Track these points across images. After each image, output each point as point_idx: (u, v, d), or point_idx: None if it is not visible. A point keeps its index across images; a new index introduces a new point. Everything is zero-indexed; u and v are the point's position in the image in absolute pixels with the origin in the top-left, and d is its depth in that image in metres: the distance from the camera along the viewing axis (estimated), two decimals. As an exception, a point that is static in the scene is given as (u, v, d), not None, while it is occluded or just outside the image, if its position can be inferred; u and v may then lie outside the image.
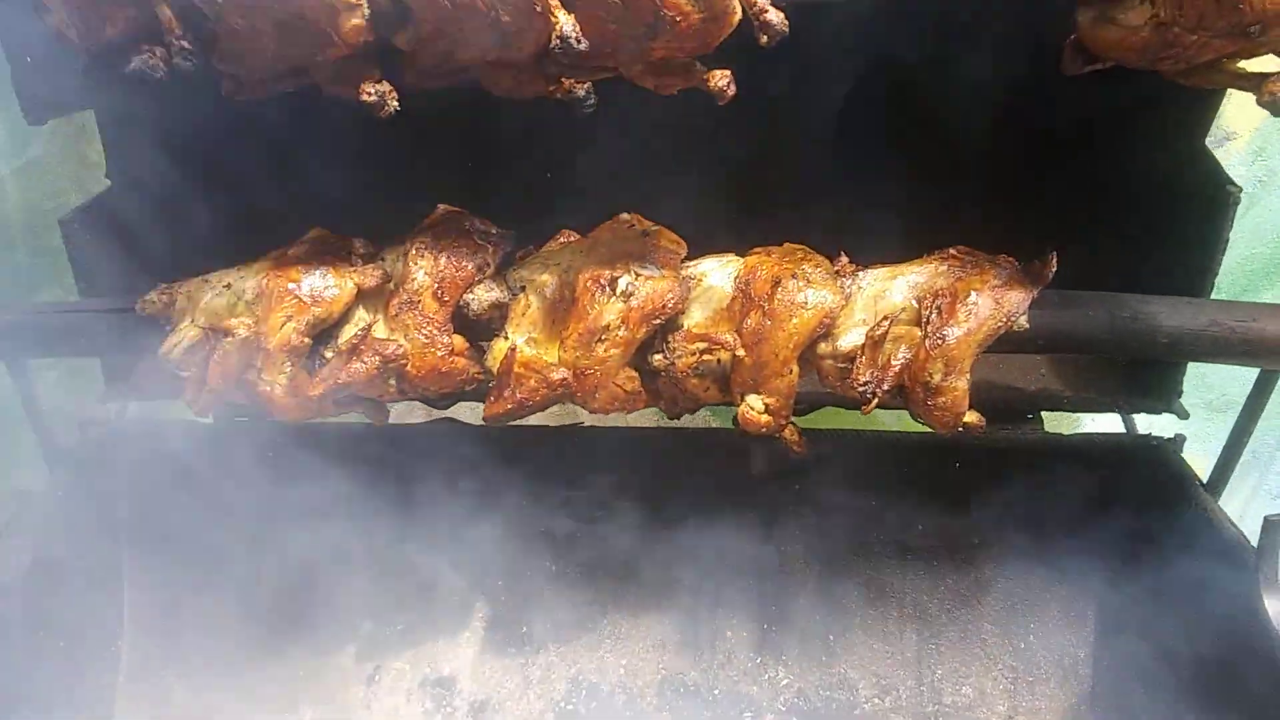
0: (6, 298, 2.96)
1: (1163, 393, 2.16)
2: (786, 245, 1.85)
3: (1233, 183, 1.96)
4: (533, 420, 2.25)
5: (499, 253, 1.80)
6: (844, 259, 1.81)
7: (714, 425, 2.87)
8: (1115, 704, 2.30)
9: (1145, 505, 2.17)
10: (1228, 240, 1.99)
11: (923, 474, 2.30)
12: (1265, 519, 1.82)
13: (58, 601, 2.13)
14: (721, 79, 1.46)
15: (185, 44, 1.43)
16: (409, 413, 2.48)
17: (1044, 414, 2.32)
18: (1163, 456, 2.19)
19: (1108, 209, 2.14)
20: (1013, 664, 2.39)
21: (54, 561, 2.06)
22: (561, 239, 1.91)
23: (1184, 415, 2.18)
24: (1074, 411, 2.24)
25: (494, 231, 1.84)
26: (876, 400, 1.72)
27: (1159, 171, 2.10)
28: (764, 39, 1.39)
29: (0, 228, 3.34)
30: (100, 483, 2.22)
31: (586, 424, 2.33)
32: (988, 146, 2.11)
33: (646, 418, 2.53)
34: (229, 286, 1.77)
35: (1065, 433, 2.28)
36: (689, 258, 1.82)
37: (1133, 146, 2.13)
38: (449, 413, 2.25)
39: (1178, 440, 2.21)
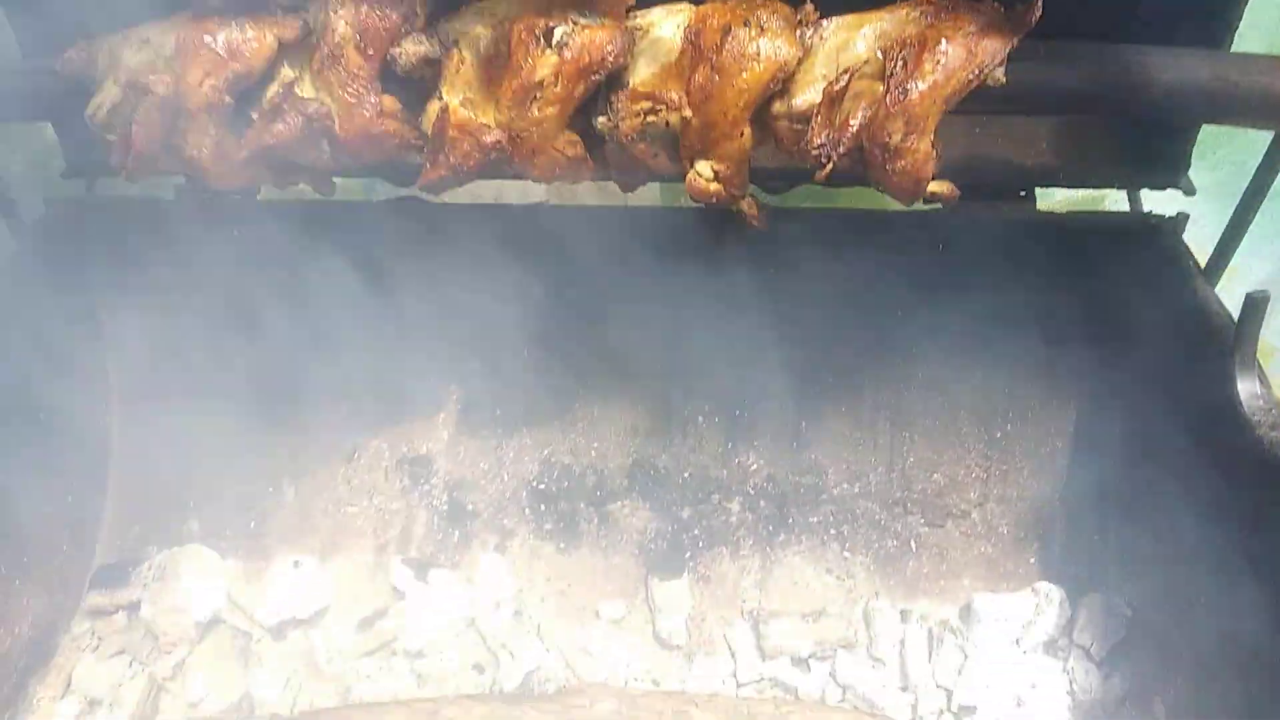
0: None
1: (1168, 167, 2.00)
2: (745, -9, 1.69)
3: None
4: (508, 198, 2.18)
5: (426, 2, 1.66)
6: (809, 6, 1.65)
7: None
8: (1089, 491, 2.28)
9: (1137, 287, 2.05)
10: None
11: (905, 255, 2.19)
12: (1246, 295, 1.70)
13: (45, 383, 2.18)
14: None
15: None
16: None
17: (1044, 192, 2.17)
18: (1161, 236, 2.05)
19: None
20: (987, 452, 2.37)
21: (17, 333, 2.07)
22: (507, -14, 1.76)
23: (1190, 191, 2.02)
24: (1071, 187, 2.09)
25: (423, -15, 1.70)
26: (832, 164, 1.60)
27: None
28: None
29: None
30: (70, 253, 2.20)
31: (554, 203, 2.25)
32: None
33: (618, 197, 2.43)
34: (147, 41, 1.67)
35: (1057, 210, 2.13)
36: (640, 6, 1.67)
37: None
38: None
39: (1179, 219, 2.06)
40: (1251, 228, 1.92)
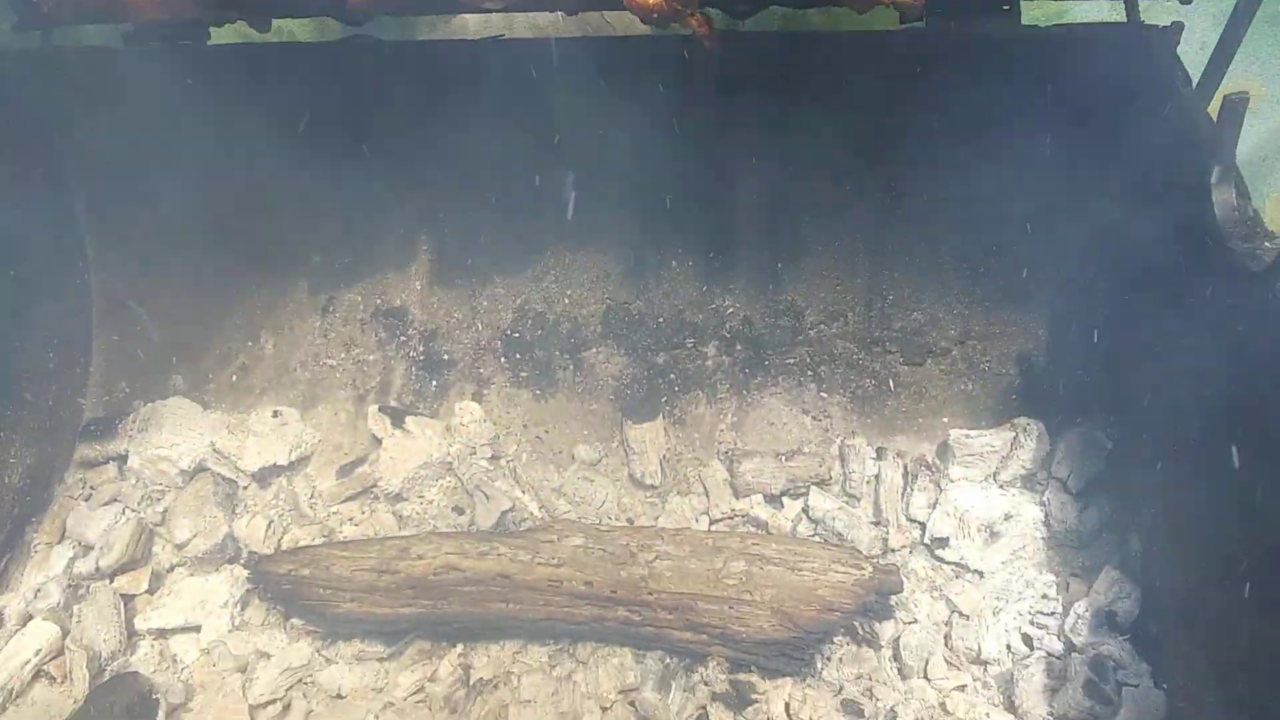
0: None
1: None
2: None
3: None
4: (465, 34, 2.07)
5: None
6: None
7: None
8: (1072, 323, 2.23)
9: (1126, 101, 1.94)
10: None
11: (884, 79, 2.06)
12: (1224, 98, 1.60)
13: (18, 237, 2.18)
14: None
15: None
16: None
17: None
18: (1157, 46, 1.92)
19: None
20: (969, 289, 2.31)
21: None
22: None
23: None
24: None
25: None
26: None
27: None
28: None
29: None
30: (31, 109, 2.17)
31: (507, 36, 2.15)
32: None
33: (584, 27, 2.32)
34: None
35: (1044, 23, 2.00)
36: None
37: None
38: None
39: (1174, 28, 1.94)
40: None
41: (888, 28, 1.89)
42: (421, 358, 2.40)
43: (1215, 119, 1.78)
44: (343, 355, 2.40)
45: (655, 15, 1.61)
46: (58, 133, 2.25)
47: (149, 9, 1.63)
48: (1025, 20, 1.99)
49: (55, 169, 2.29)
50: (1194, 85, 1.90)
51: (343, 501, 2.25)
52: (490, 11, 1.72)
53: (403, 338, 2.41)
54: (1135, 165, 1.93)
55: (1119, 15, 2.00)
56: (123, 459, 2.29)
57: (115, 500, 2.24)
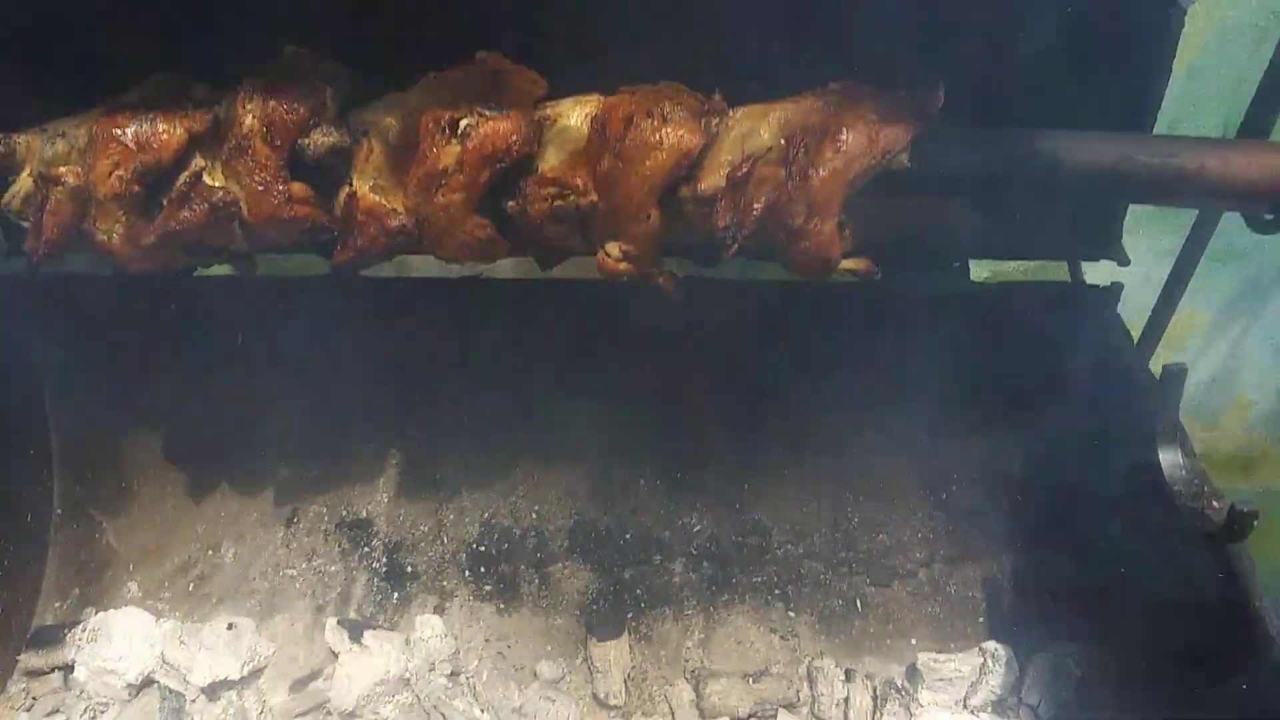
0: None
1: (1100, 237, 1.99)
2: (662, 84, 1.69)
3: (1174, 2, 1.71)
4: (452, 270, 2.17)
5: (340, 94, 1.66)
6: (717, 95, 1.65)
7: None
8: (1035, 551, 2.27)
9: (1071, 358, 2.05)
10: (1170, 68, 1.77)
11: (843, 326, 2.18)
12: (1164, 368, 1.69)
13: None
14: None
15: None
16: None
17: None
18: (1095, 307, 2.03)
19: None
20: (933, 513, 2.36)
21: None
22: (423, 80, 1.77)
23: (1124, 261, 2.01)
24: (1002, 258, 2.08)
25: (341, 72, 1.70)
26: (738, 245, 1.60)
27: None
28: None
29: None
30: (13, 333, 2.22)
31: (484, 275, 2.25)
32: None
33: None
34: (63, 135, 1.68)
35: (990, 280, 2.12)
36: (552, 98, 1.68)
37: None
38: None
39: (1114, 289, 2.05)
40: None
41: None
42: (384, 570, 2.38)
43: (1150, 374, 1.88)
44: (304, 565, 2.38)
45: (625, 278, 1.68)
46: (37, 350, 2.29)
47: (136, 260, 1.68)
48: (974, 277, 2.10)
49: (29, 381, 2.31)
50: (1134, 341, 2.02)
51: (295, 718, 2.19)
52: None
53: (366, 549, 2.40)
54: (1079, 422, 2.01)
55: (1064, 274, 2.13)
56: (69, 669, 2.23)
57: (57, 712, 2.17)
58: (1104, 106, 1.80)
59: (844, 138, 1.52)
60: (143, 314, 2.22)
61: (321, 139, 1.64)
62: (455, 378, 2.33)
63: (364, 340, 2.29)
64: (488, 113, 1.59)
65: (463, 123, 1.58)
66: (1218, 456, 3.68)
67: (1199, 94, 2.88)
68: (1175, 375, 1.70)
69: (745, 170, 1.55)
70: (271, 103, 1.61)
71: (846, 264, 1.66)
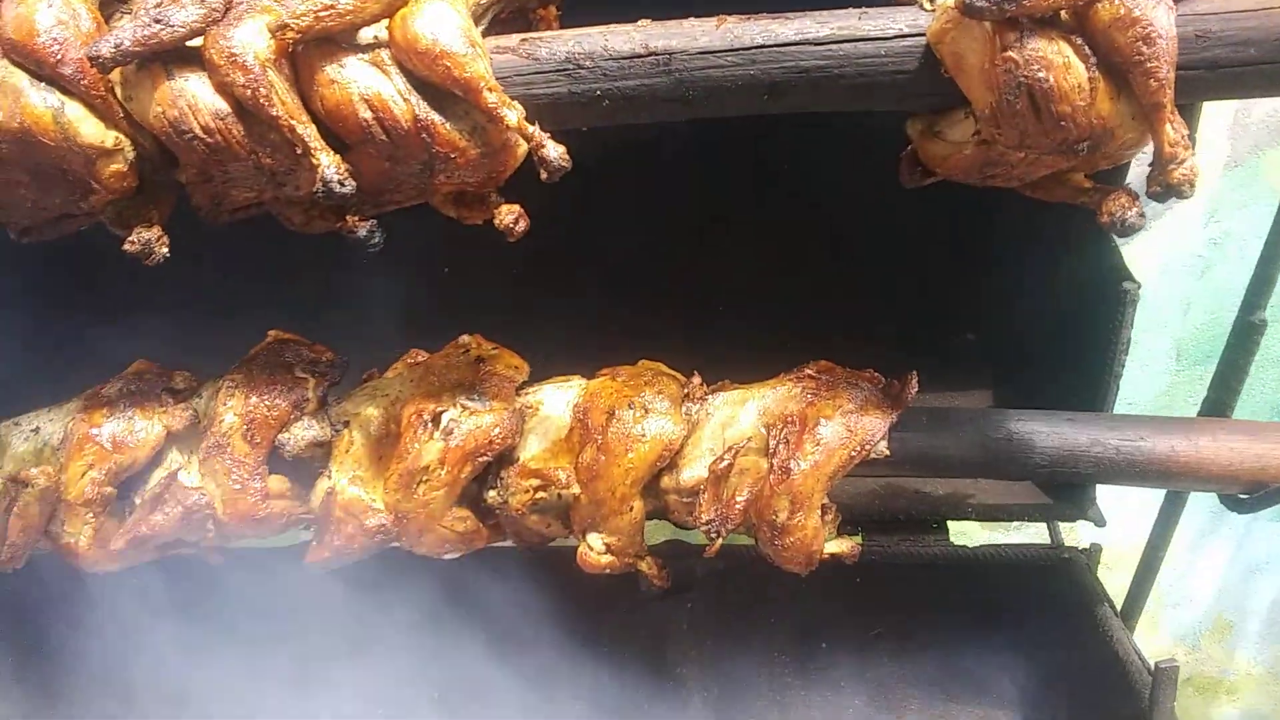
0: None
1: (1075, 499, 2.00)
2: (641, 364, 1.73)
3: (1130, 279, 1.82)
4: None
5: (322, 385, 1.68)
6: (695, 380, 1.69)
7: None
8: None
9: (1052, 628, 2.00)
10: (1129, 341, 1.85)
11: (824, 589, 2.13)
12: (1156, 666, 1.65)
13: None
14: (509, 215, 1.35)
15: (-55, 192, 1.33)
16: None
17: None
18: (1074, 571, 2.02)
19: (1000, 313, 2.01)
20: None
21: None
22: (410, 359, 1.80)
23: (1100, 523, 2.01)
24: (980, 520, 2.08)
25: (324, 360, 1.73)
26: (721, 540, 1.58)
27: (1060, 268, 1.98)
28: (544, 175, 1.27)
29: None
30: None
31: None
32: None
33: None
34: (36, 430, 1.67)
35: (970, 545, 2.11)
36: (535, 380, 1.71)
37: (1032, 244, 2.00)
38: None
39: (1092, 551, 2.05)
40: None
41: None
42: None
43: (1138, 652, 1.84)
44: None
45: (608, 571, 1.64)
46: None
47: (102, 563, 1.63)
48: (952, 539, 2.09)
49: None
50: (1118, 607, 1.99)
51: None
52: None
53: None
54: (1066, 693, 1.95)
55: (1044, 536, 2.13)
56: None
57: None
58: (1066, 386, 1.87)
59: (822, 430, 1.55)
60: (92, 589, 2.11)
61: (302, 434, 1.63)
62: (435, 649, 2.20)
63: (334, 620, 2.19)
64: (471, 404, 1.60)
65: (445, 417, 1.59)
66: (1202, 680, 3.63)
67: (1151, 320, 3.06)
68: (1168, 675, 1.66)
69: (726, 462, 1.56)
70: (253, 399, 1.62)
71: (831, 548, 1.64)
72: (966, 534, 2.24)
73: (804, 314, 2.08)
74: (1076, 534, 2.60)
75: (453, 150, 1.28)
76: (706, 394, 1.66)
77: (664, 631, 2.19)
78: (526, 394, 1.68)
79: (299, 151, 1.27)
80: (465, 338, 1.74)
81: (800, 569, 1.58)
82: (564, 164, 1.27)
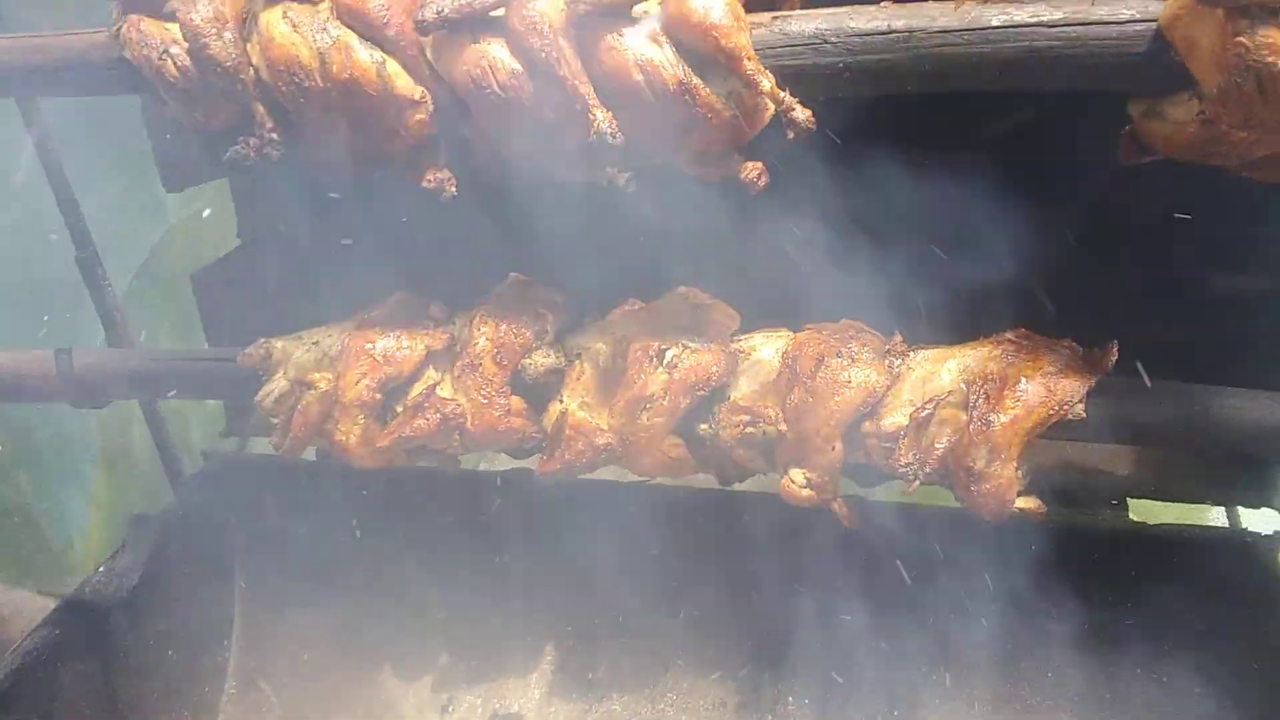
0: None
1: (1260, 484, 2.02)
2: (843, 322, 1.87)
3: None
4: (609, 475, 2.35)
5: (558, 320, 1.89)
6: (897, 337, 1.81)
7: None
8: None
9: (1232, 609, 2.03)
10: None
11: (996, 556, 2.22)
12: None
13: (170, 617, 2.38)
14: (753, 171, 1.51)
15: (274, 135, 1.60)
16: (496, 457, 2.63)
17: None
18: (1256, 555, 2.04)
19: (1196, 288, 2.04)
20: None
21: (165, 578, 2.29)
22: (625, 307, 2.00)
23: (1288, 509, 2.03)
24: (1161, 500, 2.12)
25: (558, 299, 1.94)
26: (919, 481, 1.70)
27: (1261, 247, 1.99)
28: (790, 134, 1.43)
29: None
30: (215, 508, 2.45)
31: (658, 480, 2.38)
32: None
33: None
34: (317, 343, 1.95)
35: (1152, 521, 2.15)
36: (744, 331, 1.87)
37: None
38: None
39: (1275, 538, 2.06)
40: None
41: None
42: (531, 766, 2.41)
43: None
44: (456, 757, 2.43)
45: (806, 504, 1.80)
46: (234, 524, 2.51)
47: (366, 459, 1.89)
48: (1132, 515, 2.14)
49: (226, 557, 2.53)
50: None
51: None
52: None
53: (516, 744, 2.44)
54: (1245, 675, 1.97)
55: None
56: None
57: None
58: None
59: (1023, 387, 1.65)
60: (320, 493, 2.42)
61: (541, 361, 1.86)
62: (612, 582, 2.42)
63: (527, 540, 2.44)
64: (692, 345, 1.78)
65: (669, 353, 1.77)
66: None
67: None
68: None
69: (928, 411, 1.69)
70: (503, 327, 1.85)
71: (1020, 504, 1.74)
72: (1148, 513, 2.27)
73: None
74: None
75: (709, 111, 1.45)
76: (907, 350, 1.79)
77: (838, 584, 2.31)
78: (739, 340, 1.84)
79: (578, 108, 1.46)
80: (683, 289, 1.93)
81: (993, 516, 1.69)
82: (810, 125, 1.42)
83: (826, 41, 1.45)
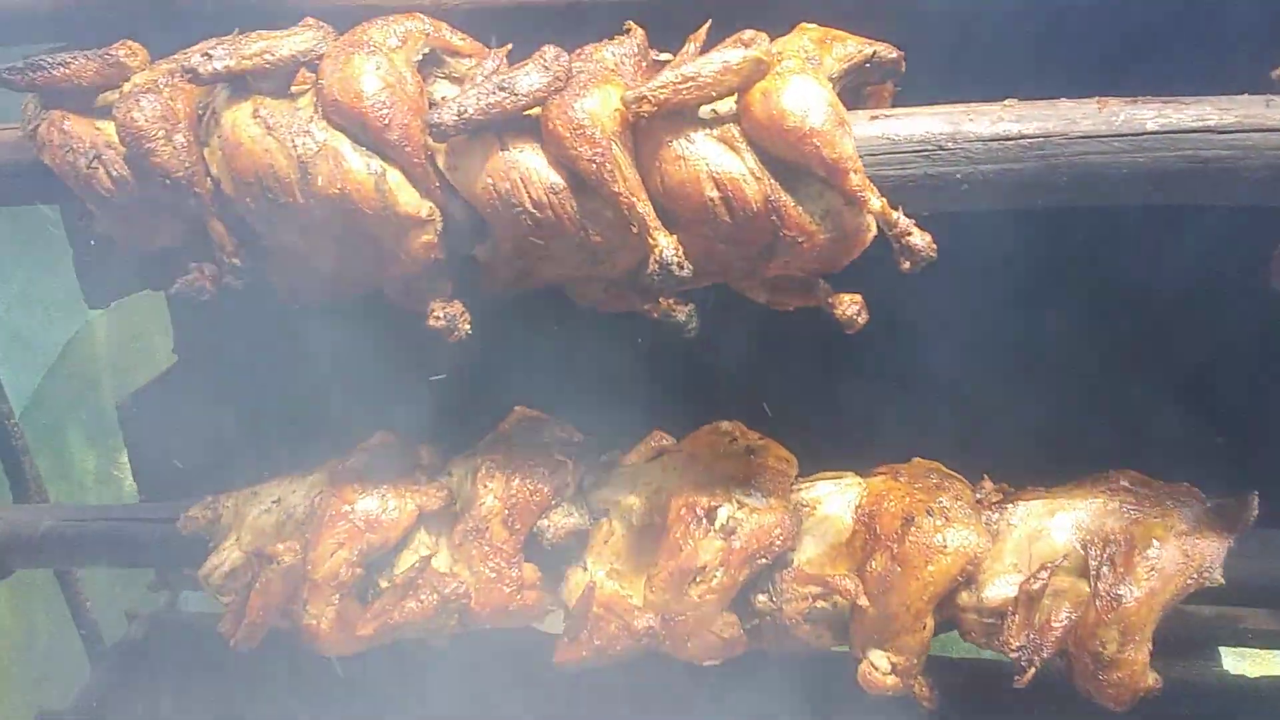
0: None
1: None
2: (916, 462, 1.59)
3: None
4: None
5: (579, 469, 1.57)
6: (988, 484, 1.53)
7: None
8: None
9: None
10: None
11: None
12: None
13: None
14: (851, 306, 1.22)
15: (236, 260, 1.26)
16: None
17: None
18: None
19: None
20: None
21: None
22: (653, 442, 1.68)
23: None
24: (1261, 648, 1.87)
25: (576, 440, 1.62)
26: (1035, 669, 1.41)
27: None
28: (906, 264, 1.14)
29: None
30: (143, 688, 2.03)
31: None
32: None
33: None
34: (278, 502, 1.58)
35: (1250, 674, 1.89)
36: (804, 475, 1.57)
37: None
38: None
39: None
40: None
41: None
42: None
43: None
44: None
45: (889, 693, 1.48)
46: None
47: (341, 646, 1.51)
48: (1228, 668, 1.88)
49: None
50: None
51: None
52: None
53: None
54: None
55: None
56: None
57: None
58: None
59: (1155, 553, 1.37)
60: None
61: (562, 521, 1.52)
62: None
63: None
64: (749, 501, 1.47)
65: (721, 512, 1.46)
66: None
67: None
68: None
69: (1041, 581, 1.40)
70: (515, 482, 1.51)
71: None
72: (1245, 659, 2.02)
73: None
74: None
75: (801, 234, 1.16)
76: (1004, 501, 1.50)
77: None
78: (800, 490, 1.54)
79: (634, 230, 1.16)
80: (726, 425, 1.62)
81: (1121, 707, 1.40)
82: (931, 254, 1.14)
83: (941, 148, 1.18)
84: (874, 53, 1.21)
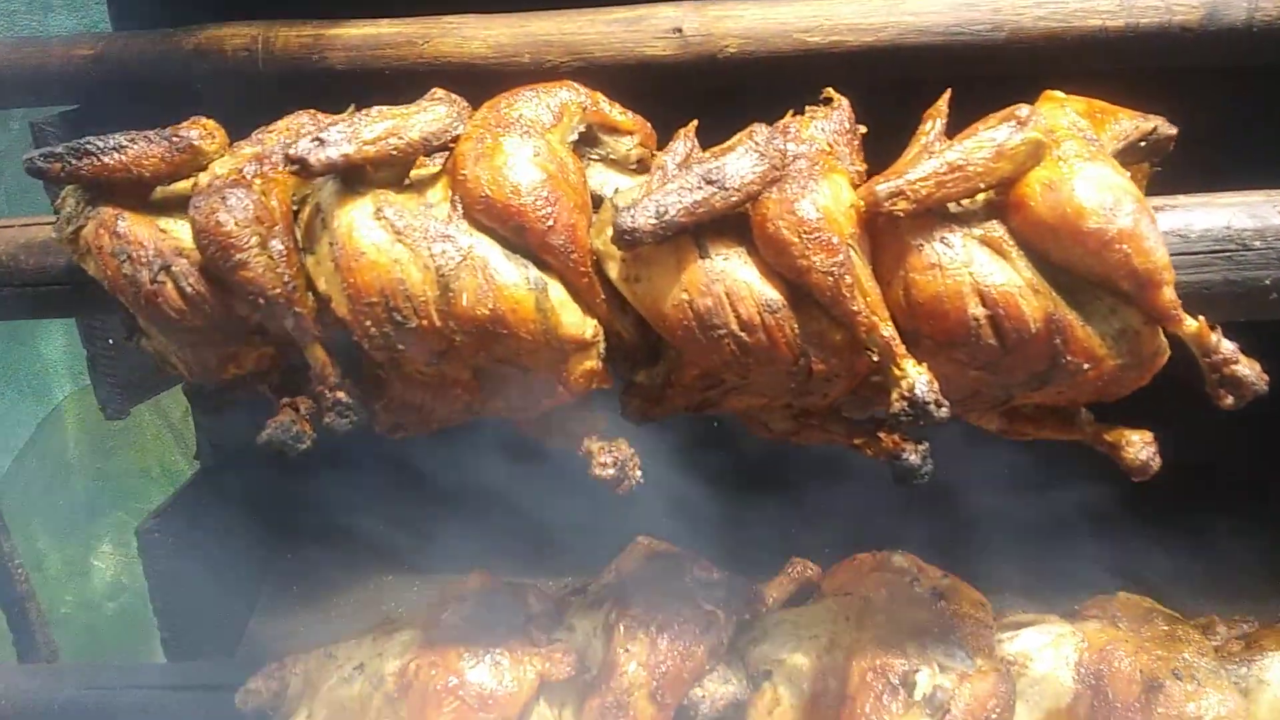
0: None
1: None
2: (1126, 600, 1.34)
3: None
4: None
5: (730, 622, 1.29)
6: (1220, 627, 1.29)
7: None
8: None
9: None
10: None
11: None
12: None
13: None
14: (1144, 449, 0.96)
15: (341, 394, 0.97)
16: None
17: None
18: None
19: None
20: None
21: None
22: (794, 571, 1.42)
23: None
24: None
25: (716, 579, 1.34)
26: None
27: None
28: (1229, 399, 0.89)
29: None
30: None
31: None
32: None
33: None
34: (360, 668, 1.29)
35: None
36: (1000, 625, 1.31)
37: None
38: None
39: None
40: None
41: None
42: None
43: None
44: None
45: None
46: None
47: None
48: None
49: None
50: None
51: None
52: None
53: None
54: None
55: None
56: None
57: None
58: None
59: None
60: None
61: (719, 689, 1.24)
62: None
63: None
64: (952, 665, 1.20)
65: (920, 678, 1.19)
66: None
67: None
68: None
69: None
70: (662, 643, 1.23)
71: None
72: None
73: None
74: None
75: (1087, 360, 0.91)
76: (1249, 651, 1.25)
77: None
78: (1001, 641, 1.28)
79: (874, 357, 0.91)
80: (899, 558, 1.36)
81: None
82: (1262, 386, 0.89)
83: (1247, 247, 0.94)
84: (1154, 129, 0.97)
